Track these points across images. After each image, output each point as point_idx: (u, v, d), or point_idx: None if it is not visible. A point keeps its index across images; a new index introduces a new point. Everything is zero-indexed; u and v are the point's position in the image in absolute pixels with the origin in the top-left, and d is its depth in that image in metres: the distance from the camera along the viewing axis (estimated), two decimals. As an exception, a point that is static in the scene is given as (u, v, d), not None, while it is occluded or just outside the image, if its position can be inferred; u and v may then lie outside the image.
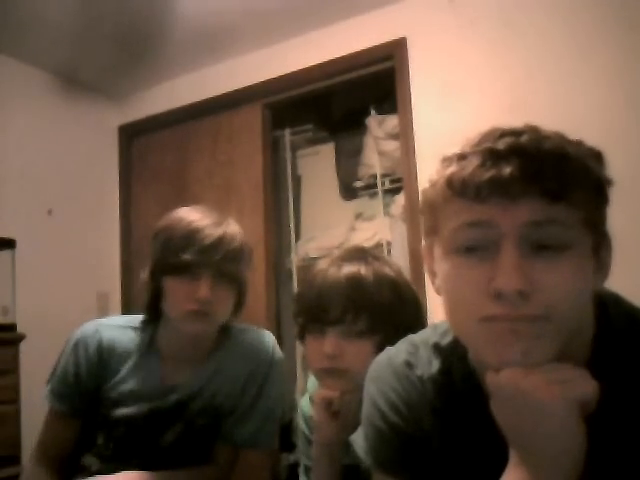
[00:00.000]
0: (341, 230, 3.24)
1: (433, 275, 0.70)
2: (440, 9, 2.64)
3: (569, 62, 2.34)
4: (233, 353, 1.31)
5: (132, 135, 3.57)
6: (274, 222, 3.21)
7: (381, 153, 3.13)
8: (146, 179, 3.50)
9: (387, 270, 1.07)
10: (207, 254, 1.17)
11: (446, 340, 0.75)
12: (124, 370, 1.27)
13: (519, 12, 2.46)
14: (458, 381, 0.72)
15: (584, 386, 0.59)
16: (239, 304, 1.29)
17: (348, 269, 1.05)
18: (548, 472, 0.59)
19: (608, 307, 0.69)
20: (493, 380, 0.62)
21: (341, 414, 1.06)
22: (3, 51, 2.96)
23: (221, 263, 1.18)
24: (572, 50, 2.34)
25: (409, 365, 0.76)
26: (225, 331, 1.33)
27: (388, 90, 2.84)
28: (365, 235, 3.15)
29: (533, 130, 0.63)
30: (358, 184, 3.27)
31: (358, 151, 3.30)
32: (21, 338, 2.58)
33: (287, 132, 3.46)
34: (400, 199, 2.97)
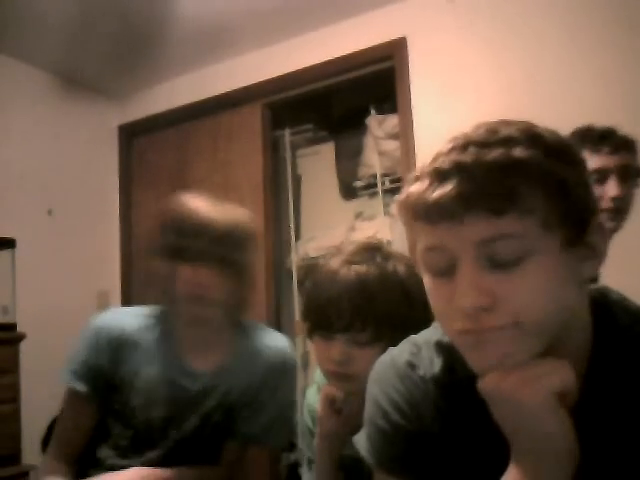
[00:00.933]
0: (341, 230, 3.24)
1: None
2: (440, 9, 2.64)
3: (568, 63, 2.34)
4: (250, 352, 1.33)
5: (132, 135, 3.57)
6: (274, 222, 3.21)
7: (381, 153, 3.13)
8: (146, 179, 3.50)
9: (399, 269, 1.05)
10: (202, 240, 1.19)
11: (447, 339, 0.75)
12: (143, 357, 1.28)
13: (518, 13, 2.46)
14: (460, 380, 0.72)
15: (558, 376, 0.60)
16: (244, 288, 1.30)
17: (357, 273, 1.02)
18: (543, 466, 0.60)
19: (611, 304, 0.69)
20: (480, 386, 0.64)
21: (344, 411, 1.08)
22: (3, 51, 2.96)
23: (215, 248, 1.20)
24: (571, 51, 2.35)
25: (411, 365, 0.76)
26: (243, 330, 1.35)
27: (388, 90, 2.84)
28: (365, 235, 3.14)
29: (486, 136, 0.61)
30: (358, 184, 3.27)
31: (358, 151, 3.30)
32: (21, 338, 2.59)
33: (287, 132, 3.46)
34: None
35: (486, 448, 0.69)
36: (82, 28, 2.79)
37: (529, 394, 0.59)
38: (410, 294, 1.03)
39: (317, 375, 1.26)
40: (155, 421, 1.27)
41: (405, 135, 2.69)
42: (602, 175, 1.55)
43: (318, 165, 3.49)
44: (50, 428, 1.48)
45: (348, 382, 1.04)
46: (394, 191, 3.12)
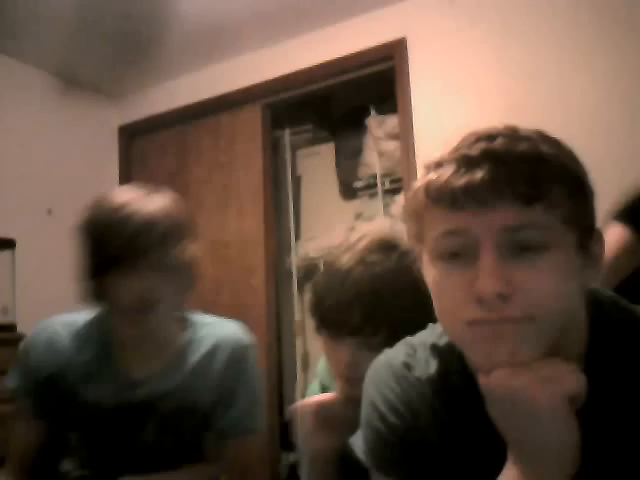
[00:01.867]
0: (341, 230, 3.24)
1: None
2: (440, 10, 2.64)
3: (568, 63, 2.35)
4: (203, 348, 1.26)
5: (132, 135, 3.57)
6: (274, 222, 3.21)
7: (381, 153, 3.13)
8: (146, 179, 3.47)
9: (415, 269, 0.99)
10: (132, 243, 1.06)
11: (443, 340, 0.75)
12: (86, 367, 1.22)
13: (518, 14, 2.47)
14: (456, 381, 0.72)
15: (572, 380, 0.60)
16: (186, 284, 1.18)
17: (371, 275, 0.95)
18: (545, 469, 0.60)
19: (604, 304, 0.70)
20: (485, 382, 0.63)
21: (339, 422, 1.00)
22: (3, 51, 2.96)
23: (146, 251, 1.07)
24: (571, 51, 2.35)
25: (407, 366, 0.76)
26: (191, 326, 1.28)
27: (388, 90, 2.84)
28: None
29: (510, 131, 0.63)
30: (358, 184, 3.28)
31: (358, 151, 3.30)
32: (21, 338, 2.57)
33: (287, 132, 3.46)
34: (400, 199, 2.97)
35: (482, 448, 0.68)
36: (82, 29, 2.79)
37: (543, 395, 0.59)
38: (425, 295, 0.97)
39: (319, 369, 1.22)
40: (109, 429, 1.22)
41: (405, 135, 2.69)
42: None
43: (318, 165, 3.49)
44: None
45: (357, 386, 0.95)
46: (394, 191, 3.12)
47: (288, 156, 3.48)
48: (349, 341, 0.96)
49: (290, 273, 3.34)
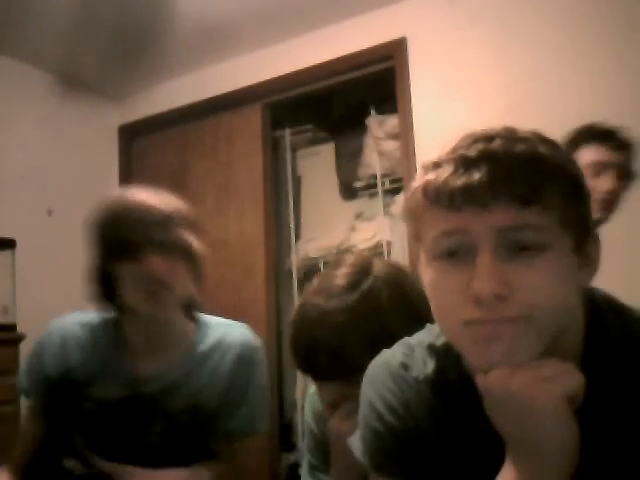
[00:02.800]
0: (341, 230, 3.24)
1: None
2: (440, 9, 2.64)
3: (568, 63, 2.34)
4: (212, 348, 1.28)
5: (132, 135, 3.57)
6: (274, 222, 3.22)
7: (381, 153, 3.13)
8: (146, 179, 3.49)
9: (383, 297, 0.94)
10: (147, 231, 1.13)
11: (440, 341, 0.75)
12: (92, 365, 1.25)
13: (518, 13, 2.47)
14: (453, 381, 0.72)
15: (571, 380, 0.60)
16: (198, 277, 1.23)
17: (334, 323, 0.92)
18: (544, 468, 0.60)
19: (600, 305, 0.70)
20: (482, 382, 0.63)
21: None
22: (3, 51, 2.96)
23: (161, 234, 1.14)
24: (571, 51, 2.35)
25: (405, 367, 0.76)
26: (200, 326, 1.30)
27: (388, 90, 2.84)
28: (365, 235, 3.15)
29: (508, 132, 0.64)
30: (358, 184, 3.28)
31: (358, 151, 3.30)
32: (21, 338, 2.58)
33: (287, 132, 3.46)
34: (400, 199, 2.97)
35: (479, 448, 0.69)
36: (82, 28, 2.79)
37: (542, 395, 0.59)
38: (395, 322, 0.93)
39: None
40: (114, 426, 1.23)
41: (405, 135, 2.69)
42: (598, 169, 1.66)
43: (318, 165, 3.49)
44: None
45: (349, 419, 0.94)
46: (394, 191, 3.12)
47: (288, 156, 3.48)
48: (329, 384, 0.97)
49: (290, 273, 3.34)
